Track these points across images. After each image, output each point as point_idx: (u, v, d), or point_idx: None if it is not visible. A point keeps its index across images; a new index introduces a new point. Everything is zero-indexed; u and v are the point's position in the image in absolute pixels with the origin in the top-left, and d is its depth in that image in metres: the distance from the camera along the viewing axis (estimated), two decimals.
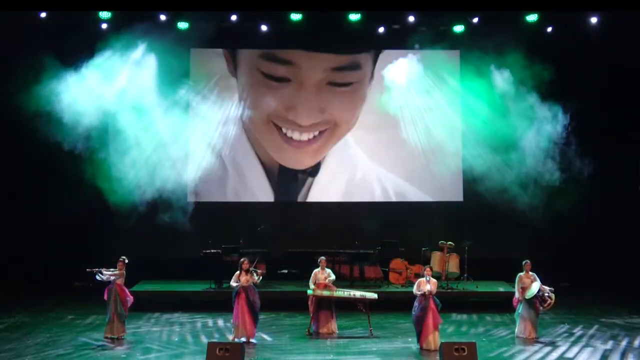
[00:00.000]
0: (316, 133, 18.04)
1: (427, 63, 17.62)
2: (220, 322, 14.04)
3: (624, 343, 12.35)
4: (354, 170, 18.15)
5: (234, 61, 18.00)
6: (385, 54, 17.88)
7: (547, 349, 11.96)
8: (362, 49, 17.96)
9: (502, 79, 17.01)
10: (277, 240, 17.08)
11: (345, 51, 17.94)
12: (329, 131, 18.07)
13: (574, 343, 12.37)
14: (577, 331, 13.28)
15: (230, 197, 18.00)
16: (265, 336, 12.89)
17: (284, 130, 18.00)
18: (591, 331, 13.27)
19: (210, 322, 14.15)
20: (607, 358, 11.45)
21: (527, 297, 12.60)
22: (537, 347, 12.07)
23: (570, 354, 11.67)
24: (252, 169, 18.04)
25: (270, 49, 17.90)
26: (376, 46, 17.89)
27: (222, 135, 17.83)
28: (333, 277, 13.17)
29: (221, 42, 17.69)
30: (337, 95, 18.01)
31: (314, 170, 18.15)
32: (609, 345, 12.23)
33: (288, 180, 18.11)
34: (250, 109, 17.93)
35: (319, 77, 17.93)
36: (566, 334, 13.05)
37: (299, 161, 18.12)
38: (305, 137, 18.01)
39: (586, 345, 12.20)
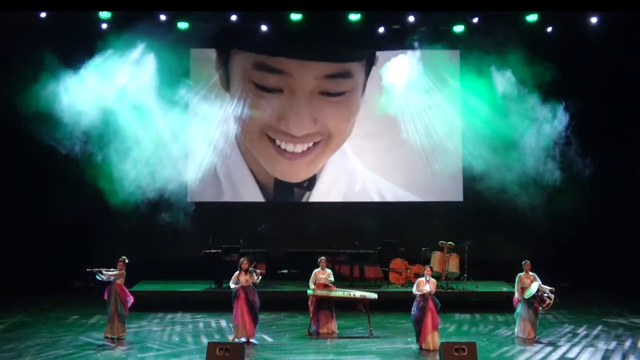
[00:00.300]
0: (310, 144, 17.99)
1: (427, 63, 17.60)
2: (221, 322, 14.03)
3: (627, 344, 12.31)
4: (352, 181, 18.06)
5: (226, 75, 17.93)
6: (384, 55, 17.78)
7: (549, 349, 11.94)
8: (354, 57, 17.88)
9: (502, 79, 17.01)
10: (277, 240, 17.05)
11: (336, 59, 17.92)
12: (323, 142, 18.01)
13: (575, 343, 12.34)
14: (581, 331, 13.26)
15: (231, 198, 18.00)
16: (265, 336, 12.89)
17: (277, 142, 17.95)
18: (594, 332, 13.24)
19: (210, 322, 14.13)
20: (609, 359, 11.43)
21: (525, 297, 12.60)
22: (538, 347, 12.05)
23: (571, 354, 11.66)
24: (245, 183, 17.96)
25: (271, 49, 17.84)
26: (376, 46, 17.85)
27: (223, 135, 17.81)
28: (332, 278, 13.15)
29: (221, 42, 17.68)
30: (330, 105, 17.95)
31: (310, 184, 18.09)
32: (612, 345, 12.19)
33: (284, 195, 18.05)
34: (243, 122, 17.88)
35: (310, 85, 17.87)
36: (570, 334, 13.03)
37: (294, 174, 18.06)
38: (299, 148, 17.96)
39: (588, 346, 12.17)
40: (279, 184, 18.03)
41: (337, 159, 18.08)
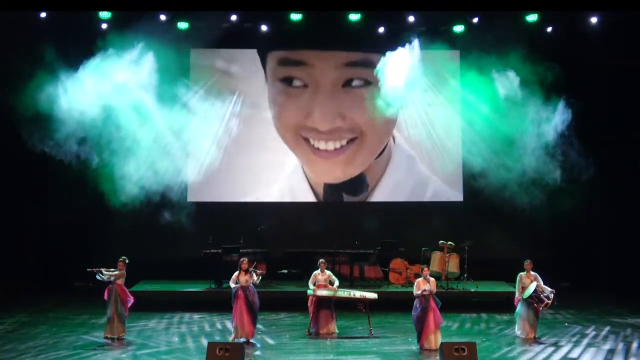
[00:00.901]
0: (343, 142, 17.92)
1: (427, 63, 17.54)
2: (221, 323, 14.03)
3: (635, 345, 12.23)
4: (416, 181, 18.03)
5: (266, 78, 18.00)
6: (388, 56, 17.71)
7: (551, 349, 11.92)
8: (374, 48, 17.60)
9: (502, 79, 16.97)
10: (277, 240, 17.06)
11: (356, 48, 17.82)
12: (359, 141, 17.93)
13: (578, 343, 12.31)
14: (589, 332, 13.22)
15: (231, 197, 17.99)
16: (265, 336, 12.88)
17: (311, 141, 17.93)
18: (603, 332, 13.18)
19: (210, 322, 14.13)
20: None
21: (524, 297, 12.60)
22: (540, 347, 12.02)
23: (573, 355, 11.63)
24: (301, 190, 18.08)
25: (273, 49, 17.82)
26: (376, 45, 17.79)
27: (226, 133, 17.82)
28: (337, 282, 13.09)
29: (221, 42, 17.67)
30: (356, 100, 17.81)
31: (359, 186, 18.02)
32: (614, 345, 12.15)
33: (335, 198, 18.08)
34: (281, 125, 17.96)
35: (333, 75, 17.82)
36: (579, 335, 12.99)
37: (332, 174, 17.99)
38: (331, 146, 17.89)
39: (589, 346, 12.14)
40: (327, 187, 18.06)
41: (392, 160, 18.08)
